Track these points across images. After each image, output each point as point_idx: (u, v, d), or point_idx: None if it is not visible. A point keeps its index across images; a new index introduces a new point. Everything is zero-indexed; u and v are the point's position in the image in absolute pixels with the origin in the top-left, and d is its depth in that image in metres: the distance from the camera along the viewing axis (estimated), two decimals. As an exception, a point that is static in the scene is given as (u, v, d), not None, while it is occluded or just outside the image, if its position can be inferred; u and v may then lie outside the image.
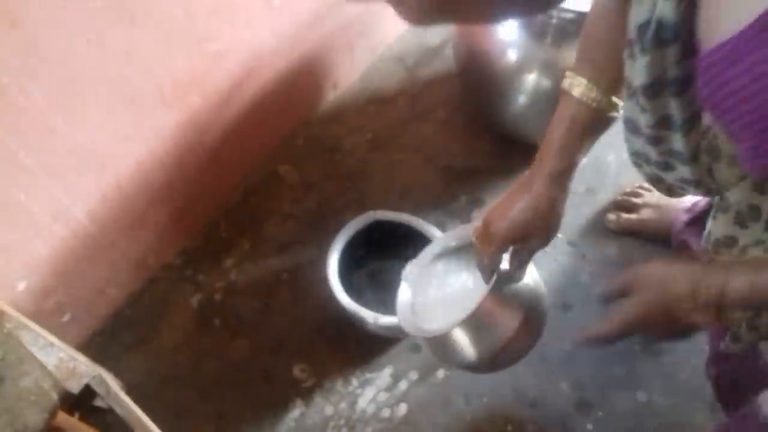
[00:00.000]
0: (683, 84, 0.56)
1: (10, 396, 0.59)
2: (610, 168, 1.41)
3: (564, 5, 1.09)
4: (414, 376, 1.20)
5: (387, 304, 1.17)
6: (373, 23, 1.53)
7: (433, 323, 0.90)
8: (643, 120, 0.60)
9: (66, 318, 1.18)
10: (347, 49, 1.50)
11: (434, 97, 1.55)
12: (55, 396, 0.65)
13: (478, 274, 0.88)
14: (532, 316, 0.88)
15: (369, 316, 1.12)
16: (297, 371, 1.21)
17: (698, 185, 0.66)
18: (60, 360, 0.95)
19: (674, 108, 0.59)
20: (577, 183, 1.38)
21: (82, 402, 1.05)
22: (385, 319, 1.12)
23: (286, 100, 1.40)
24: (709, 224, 0.81)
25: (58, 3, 0.87)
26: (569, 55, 1.14)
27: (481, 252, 0.86)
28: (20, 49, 0.86)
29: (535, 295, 0.90)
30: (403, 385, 1.19)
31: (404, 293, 0.96)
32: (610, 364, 1.19)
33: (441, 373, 1.19)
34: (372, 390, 1.19)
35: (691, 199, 1.19)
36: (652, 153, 0.63)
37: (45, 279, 1.10)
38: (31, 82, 0.89)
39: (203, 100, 1.18)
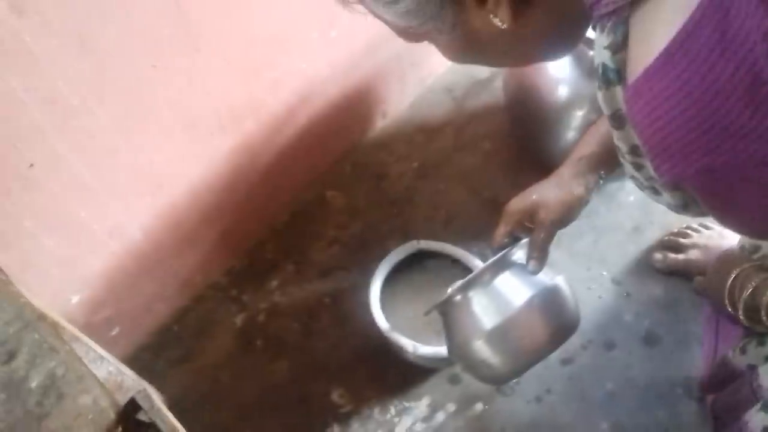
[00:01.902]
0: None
1: (69, 413, 0.61)
2: (658, 207, 1.39)
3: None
4: (452, 407, 1.19)
5: (424, 328, 1.18)
6: (424, 55, 1.55)
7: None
8: (622, 147, 0.64)
9: (114, 332, 1.21)
10: (398, 79, 1.52)
11: (481, 128, 1.56)
12: (112, 414, 0.67)
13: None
14: (550, 315, 0.90)
15: (408, 344, 1.13)
16: (335, 396, 1.22)
17: (686, 208, 0.67)
18: (108, 373, 0.98)
19: (637, 139, 0.61)
20: (624, 220, 1.38)
21: (126, 415, 1.07)
22: (425, 349, 1.13)
23: (337, 127, 1.43)
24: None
25: (127, 29, 0.91)
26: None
27: (494, 235, 0.92)
28: (90, 72, 0.90)
29: (556, 294, 0.94)
30: (440, 416, 1.19)
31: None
32: (652, 406, 1.17)
33: (479, 407, 1.19)
34: (409, 419, 1.19)
35: (733, 240, 1.19)
36: (640, 178, 0.66)
37: (97, 293, 1.13)
38: (98, 104, 0.93)
39: (258, 125, 1.21)
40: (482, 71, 1.64)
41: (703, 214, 0.70)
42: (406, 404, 1.21)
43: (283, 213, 1.44)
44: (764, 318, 0.87)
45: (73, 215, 1.00)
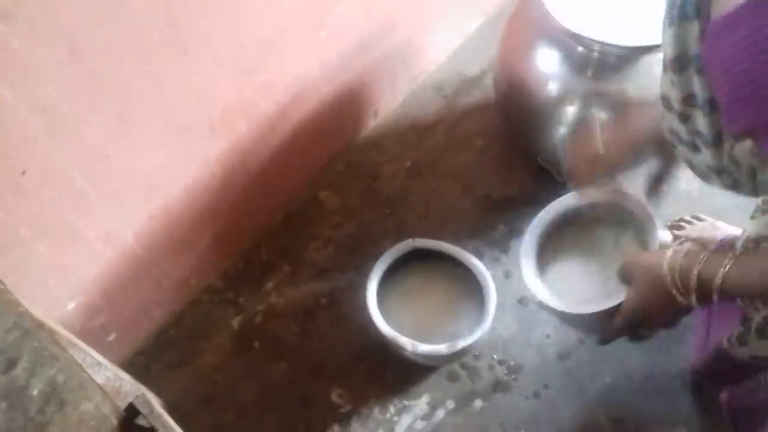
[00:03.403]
0: (703, 62, 0.59)
1: (71, 421, 0.61)
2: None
3: (606, 40, 1.10)
4: (451, 405, 1.20)
5: (422, 326, 1.19)
6: (414, 54, 1.56)
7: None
8: (674, 95, 0.64)
9: (111, 337, 1.21)
10: (388, 79, 1.53)
11: (473, 126, 1.57)
12: (114, 421, 0.67)
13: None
14: None
15: (407, 343, 1.13)
16: (335, 396, 1.22)
17: (720, 173, 0.67)
18: (107, 379, 0.97)
19: (697, 85, 0.61)
20: (617, 214, 1.39)
21: (128, 421, 1.07)
22: (423, 347, 1.13)
23: (329, 127, 1.43)
24: (749, 223, 0.84)
25: (117, 35, 0.90)
26: (609, 87, 1.16)
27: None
28: (80, 79, 0.89)
29: None
30: (440, 413, 1.19)
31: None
32: (651, 398, 1.18)
33: (478, 403, 1.20)
34: (409, 417, 1.19)
35: (726, 231, 1.20)
36: (682, 131, 0.67)
37: (93, 299, 1.13)
38: (89, 110, 0.93)
39: (249, 127, 1.21)
40: (472, 69, 1.65)
41: (729, 187, 0.69)
42: (406, 402, 1.21)
43: (277, 214, 1.44)
44: (714, 294, 0.83)
45: (67, 222, 1.00)
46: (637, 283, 0.88)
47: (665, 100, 0.68)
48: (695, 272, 0.80)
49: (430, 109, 1.60)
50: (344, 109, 1.45)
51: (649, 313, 0.88)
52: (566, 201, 1.10)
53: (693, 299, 0.81)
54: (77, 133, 0.93)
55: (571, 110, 1.20)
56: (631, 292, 0.89)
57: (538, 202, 1.41)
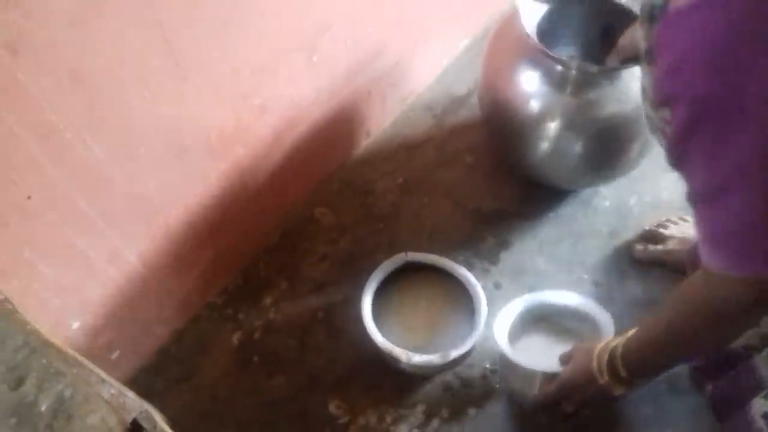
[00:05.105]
0: (655, 47, 0.69)
1: (79, 434, 0.64)
2: (632, 211, 1.46)
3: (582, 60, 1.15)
4: (446, 413, 1.23)
5: (416, 337, 1.23)
6: (404, 76, 1.61)
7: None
8: (647, 83, 0.71)
9: (115, 355, 1.24)
10: (379, 100, 1.57)
11: (461, 143, 1.61)
12: (120, 433, 0.71)
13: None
14: None
15: (402, 354, 1.17)
16: (332, 408, 1.25)
17: None
18: (111, 396, 1.00)
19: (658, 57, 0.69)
20: (601, 226, 1.43)
21: (133, 434, 1.10)
22: (417, 358, 1.17)
23: (323, 148, 1.48)
24: None
25: (117, 63, 0.94)
26: (587, 104, 1.20)
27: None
28: (82, 106, 0.93)
29: None
30: (435, 422, 1.22)
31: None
32: (639, 403, 1.21)
33: (472, 411, 1.23)
34: (405, 427, 1.22)
35: None
36: (655, 118, 0.72)
37: (97, 319, 1.16)
38: (91, 136, 0.96)
39: (246, 149, 1.25)
40: (460, 89, 1.70)
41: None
42: (402, 412, 1.24)
43: (275, 232, 1.48)
44: (621, 370, 0.95)
45: (71, 244, 1.03)
46: (573, 361, 1.03)
47: (643, 91, 0.74)
48: (612, 344, 0.95)
49: (420, 128, 1.65)
50: (337, 130, 1.50)
51: (574, 387, 1.02)
52: (533, 299, 1.26)
53: (605, 375, 0.96)
54: (80, 158, 0.96)
55: (552, 126, 1.24)
56: (567, 367, 1.04)
57: (525, 214, 1.47)
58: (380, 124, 1.64)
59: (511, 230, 1.45)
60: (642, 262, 1.37)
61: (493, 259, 1.41)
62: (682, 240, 1.33)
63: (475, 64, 1.51)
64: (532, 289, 1.33)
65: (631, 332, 0.95)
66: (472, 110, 1.65)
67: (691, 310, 0.82)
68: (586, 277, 1.37)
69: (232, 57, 1.11)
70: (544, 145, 1.28)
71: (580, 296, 1.24)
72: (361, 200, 1.53)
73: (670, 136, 0.67)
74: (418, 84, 1.70)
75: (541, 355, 1.16)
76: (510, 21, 1.30)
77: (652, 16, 0.65)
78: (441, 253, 1.30)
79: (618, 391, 0.97)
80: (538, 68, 1.23)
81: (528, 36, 1.18)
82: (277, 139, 1.32)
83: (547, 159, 1.30)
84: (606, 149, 1.27)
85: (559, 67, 1.19)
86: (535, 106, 1.25)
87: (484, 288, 1.25)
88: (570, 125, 1.23)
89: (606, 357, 0.95)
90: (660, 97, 0.67)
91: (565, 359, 1.08)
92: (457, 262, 1.30)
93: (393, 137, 1.64)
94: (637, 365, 0.94)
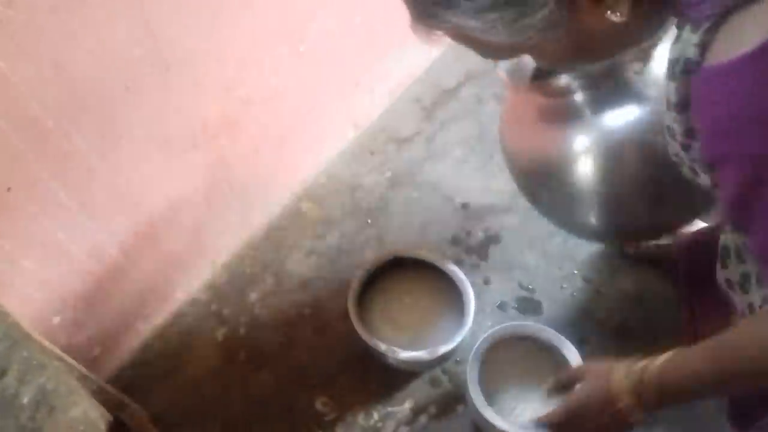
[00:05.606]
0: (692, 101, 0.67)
1: (61, 425, 0.62)
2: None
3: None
4: (433, 410, 1.22)
5: (404, 333, 1.21)
6: (392, 67, 1.59)
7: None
8: (676, 128, 0.71)
9: (96, 351, 1.22)
10: (367, 91, 1.56)
11: (450, 136, 1.60)
12: (102, 426, 0.69)
13: None
14: None
15: (389, 350, 1.16)
16: (319, 404, 1.24)
17: (714, 191, 0.73)
18: (92, 392, 0.99)
19: (697, 117, 0.67)
20: (592, 220, 1.42)
21: (112, 425, 1.08)
22: (405, 354, 1.16)
23: (309, 140, 1.46)
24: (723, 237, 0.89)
25: (99, 53, 0.92)
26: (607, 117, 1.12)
27: None
28: (63, 96, 0.91)
29: None
30: (423, 418, 1.21)
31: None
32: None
33: (461, 408, 1.22)
34: (393, 423, 1.21)
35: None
36: (685, 158, 0.73)
37: (78, 314, 1.14)
38: (72, 125, 0.94)
39: (231, 141, 1.23)
40: (449, 81, 1.68)
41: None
42: (390, 409, 1.23)
43: (260, 226, 1.46)
44: (652, 393, 0.82)
45: (52, 237, 1.01)
46: (584, 382, 0.91)
47: (669, 131, 0.73)
48: (639, 365, 0.82)
49: (409, 121, 1.63)
50: (324, 122, 1.48)
51: (586, 411, 0.89)
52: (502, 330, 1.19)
53: (626, 398, 0.82)
54: (60, 149, 0.94)
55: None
56: (577, 389, 0.92)
57: (515, 209, 1.46)
58: (368, 116, 1.62)
59: (500, 225, 1.44)
60: (632, 257, 1.36)
61: (482, 254, 1.40)
62: (672, 236, 1.33)
63: (464, 57, 1.49)
64: (521, 284, 1.32)
65: (667, 355, 0.81)
66: (461, 103, 1.63)
67: None
68: (576, 272, 1.36)
69: (217, 48, 1.09)
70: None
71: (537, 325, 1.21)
72: (348, 194, 1.51)
73: (726, 198, 0.65)
74: (407, 76, 1.68)
75: (526, 404, 1.15)
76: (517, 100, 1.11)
77: (688, 69, 0.64)
78: (430, 248, 1.29)
79: (635, 416, 0.84)
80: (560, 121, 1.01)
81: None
82: (262, 131, 1.30)
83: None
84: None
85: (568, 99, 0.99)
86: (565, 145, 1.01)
87: (473, 283, 1.23)
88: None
89: (634, 378, 0.83)
90: (708, 159, 0.67)
91: (569, 382, 0.97)
92: (446, 257, 1.28)
93: (381, 130, 1.62)
94: (674, 391, 0.82)
